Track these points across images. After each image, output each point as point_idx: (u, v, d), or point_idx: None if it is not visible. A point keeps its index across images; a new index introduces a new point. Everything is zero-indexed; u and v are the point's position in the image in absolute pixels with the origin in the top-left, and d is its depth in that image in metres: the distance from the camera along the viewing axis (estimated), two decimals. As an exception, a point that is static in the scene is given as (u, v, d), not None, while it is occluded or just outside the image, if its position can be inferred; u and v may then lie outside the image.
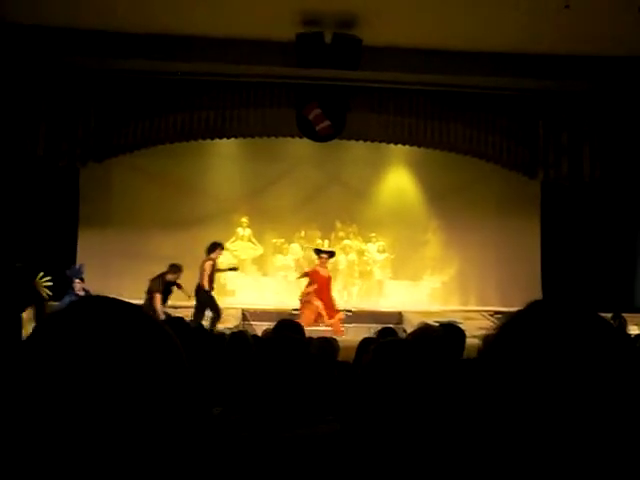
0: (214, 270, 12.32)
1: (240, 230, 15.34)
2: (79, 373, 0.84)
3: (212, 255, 12.32)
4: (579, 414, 0.96)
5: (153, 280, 12.03)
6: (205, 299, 12.09)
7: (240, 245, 15.16)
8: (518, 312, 1.09)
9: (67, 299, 10.76)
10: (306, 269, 13.58)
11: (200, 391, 3.16)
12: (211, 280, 12.23)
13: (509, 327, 1.08)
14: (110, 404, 0.84)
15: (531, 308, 1.09)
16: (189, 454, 0.91)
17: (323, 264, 12.91)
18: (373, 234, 15.57)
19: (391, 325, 8.72)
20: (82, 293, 11.52)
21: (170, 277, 12.05)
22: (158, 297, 11.82)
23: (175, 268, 12.07)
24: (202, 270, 12.16)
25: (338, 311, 12.76)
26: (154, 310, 11.33)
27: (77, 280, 11.96)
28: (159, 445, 0.86)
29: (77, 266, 12.77)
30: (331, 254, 13.23)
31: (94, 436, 0.83)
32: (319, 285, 12.65)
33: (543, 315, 1.06)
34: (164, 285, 11.97)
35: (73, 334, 0.87)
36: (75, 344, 0.86)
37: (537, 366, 0.99)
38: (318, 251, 13.27)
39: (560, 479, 0.96)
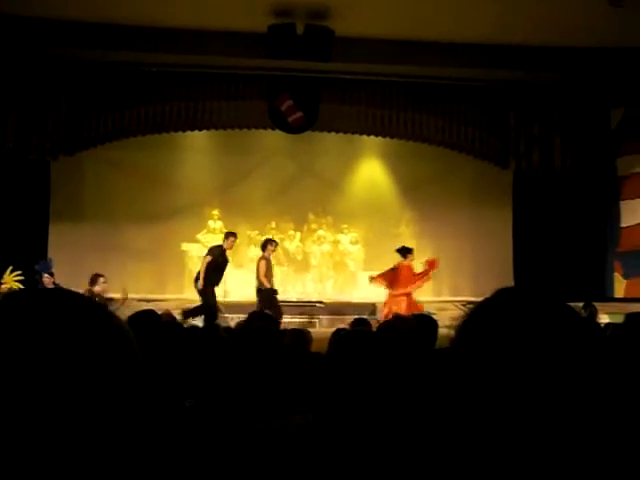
0: (269, 267, 12.15)
1: (211, 222, 15.30)
2: (15, 367, 0.81)
3: (265, 253, 12.25)
4: (546, 401, 0.97)
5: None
6: (266, 297, 11.95)
7: (211, 237, 15.12)
8: (484, 300, 1.10)
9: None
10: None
11: (171, 384, 3.15)
12: (269, 277, 12.08)
13: (475, 316, 1.08)
14: (48, 396, 0.80)
15: (497, 296, 1.09)
16: (147, 447, 0.90)
17: (410, 261, 12.85)
18: (346, 225, 15.60)
19: (365, 316, 8.74)
20: (52, 287, 11.40)
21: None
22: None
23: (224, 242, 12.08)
24: (257, 269, 12.07)
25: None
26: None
27: (46, 275, 11.81)
28: (108, 439, 0.84)
29: (46, 260, 12.63)
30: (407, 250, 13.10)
31: (38, 432, 0.80)
32: (404, 279, 12.71)
33: (508, 303, 1.06)
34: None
35: (6, 328, 0.83)
36: (10, 337, 0.82)
37: (502, 354, 1.00)
38: (405, 250, 13.07)
39: (532, 467, 0.97)
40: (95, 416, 0.82)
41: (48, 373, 0.81)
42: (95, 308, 0.89)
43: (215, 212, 15.26)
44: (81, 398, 0.81)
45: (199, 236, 15.28)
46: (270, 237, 12.77)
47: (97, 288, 11.30)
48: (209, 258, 11.91)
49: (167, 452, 1.82)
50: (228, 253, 12.25)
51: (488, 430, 0.99)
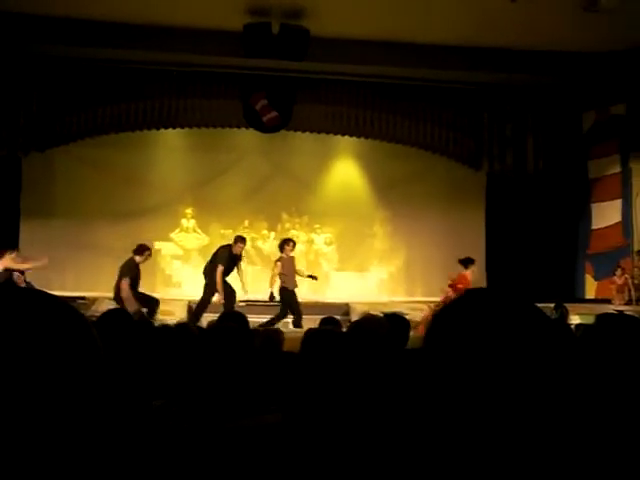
0: (291, 267, 12.07)
1: (184, 221, 15.23)
2: None
3: (283, 254, 12.15)
4: (509, 399, 0.97)
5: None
6: (287, 298, 11.89)
7: (184, 236, 15.05)
8: (453, 302, 1.10)
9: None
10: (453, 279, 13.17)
11: (140, 383, 3.13)
12: (290, 277, 11.99)
13: (443, 317, 1.08)
14: (11, 392, 0.79)
15: (465, 298, 1.09)
16: (111, 445, 0.89)
17: (472, 271, 12.89)
18: (319, 225, 15.60)
19: (337, 316, 8.74)
20: (23, 286, 11.27)
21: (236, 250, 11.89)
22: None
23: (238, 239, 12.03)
24: (279, 269, 11.99)
25: None
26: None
27: (17, 273, 11.68)
28: (68, 435, 0.82)
29: None
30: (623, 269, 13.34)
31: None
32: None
33: (476, 304, 1.07)
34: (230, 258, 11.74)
35: None
36: None
37: (469, 355, 1.00)
38: (467, 261, 12.97)
39: (501, 464, 0.97)
40: (55, 413, 0.81)
41: (10, 369, 0.79)
42: (58, 306, 0.87)
43: (188, 210, 15.18)
44: (42, 394, 0.80)
45: (172, 235, 15.21)
46: (288, 238, 12.69)
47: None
48: (221, 268, 11.73)
49: (133, 450, 1.80)
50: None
51: (457, 429, 0.99)
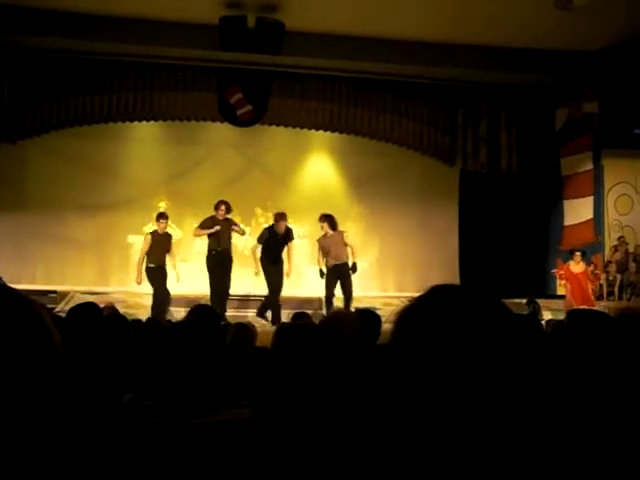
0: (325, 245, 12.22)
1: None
2: None
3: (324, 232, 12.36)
4: (472, 395, 0.97)
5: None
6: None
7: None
8: (419, 298, 1.10)
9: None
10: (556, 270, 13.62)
11: (110, 377, 3.10)
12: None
13: (410, 313, 1.08)
14: None
15: (431, 294, 1.09)
16: (70, 440, 0.87)
17: (576, 261, 13.05)
18: (291, 220, 15.53)
19: (310, 311, 8.74)
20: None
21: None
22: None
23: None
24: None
25: (588, 302, 12.75)
26: None
27: None
28: (23, 432, 0.81)
29: None
30: (583, 252, 13.38)
31: None
32: (571, 281, 12.99)
33: (442, 301, 1.06)
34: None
35: None
36: None
37: (434, 351, 1.00)
38: (571, 251, 13.32)
39: (473, 462, 0.97)
40: (8, 407, 0.79)
41: None
42: (11, 297, 0.85)
43: (162, 204, 15.05)
44: None
45: (145, 229, 15.08)
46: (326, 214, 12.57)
47: None
48: (255, 245, 12.20)
49: (98, 446, 1.78)
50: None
51: (425, 424, 0.99)
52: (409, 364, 1.01)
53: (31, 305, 0.86)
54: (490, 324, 1.02)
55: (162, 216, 12.05)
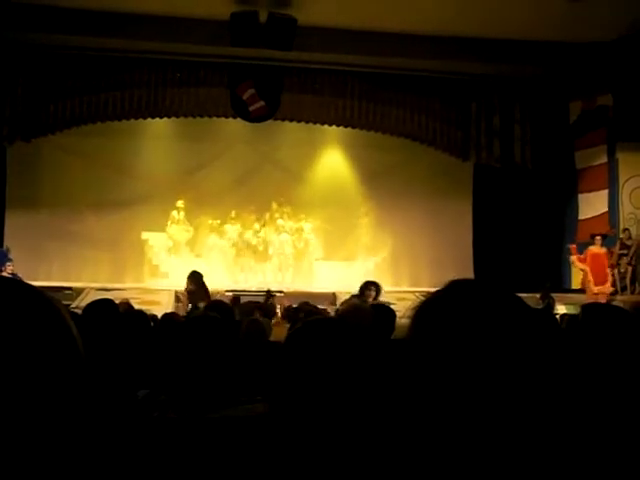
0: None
1: (175, 214, 15.12)
2: None
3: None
4: (494, 390, 0.97)
5: None
6: None
7: (176, 228, 15.01)
8: (437, 292, 1.10)
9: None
10: None
11: (125, 373, 3.12)
12: None
13: (427, 308, 1.08)
14: None
15: (449, 288, 1.09)
16: (88, 436, 0.87)
17: (596, 244, 13.58)
18: (304, 215, 15.55)
19: (323, 306, 8.74)
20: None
21: None
22: None
23: None
24: None
25: (606, 282, 13.35)
26: None
27: (9, 264, 11.76)
28: (42, 430, 0.81)
29: (2, 249, 12.54)
30: (604, 236, 13.76)
31: None
32: (589, 259, 13.46)
33: (460, 295, 1.06)
34: None
35: None
36: None
37: (452, 346, 0.99)
38: (592, 235, 13.77)
39: (491, 458, 0.97)
40: (30, 405, 0.79)
41: None
42: (31, 294, 0.86)
43: (180, 202, 15.05)
44: (14, 385, 0.79)
45: (167, 229, 15.12)
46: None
47: None
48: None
49: (114, 441, 1.79)
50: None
51: (444, 420, 0.99)
52: (429, 358, 1.01)
53: (52, 302, 0.87)
54: (512, 320, 1.02)
55: None
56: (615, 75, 13.79)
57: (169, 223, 15.07)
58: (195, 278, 9.92)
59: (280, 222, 15.29)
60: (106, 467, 1.67)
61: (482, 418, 0.97)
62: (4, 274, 11.40)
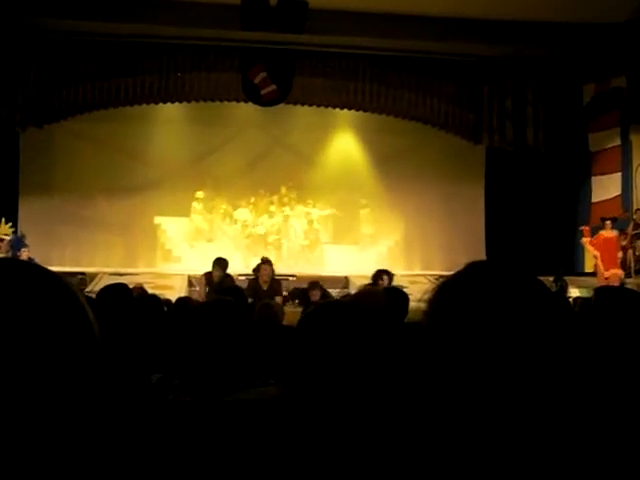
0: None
1: (195, 205, 15.14)
2: None
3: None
4: (513, 373, 0.97)
5: None
6: None
7: (197, 218, 15.09)
8: (455, 274, 1.09)
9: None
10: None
11: (139, 357, 3.14)
12: None
13: (446, 290, 1.08)
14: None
15: (468, 270, 1.09)
16: (104, 421, 0.88)
17: (607, 228, 13.55)
18: (313, 200, 15.52)
19: (336, 290, 8.75)
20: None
21: None
22: None
23: None
24: None
25: (616, 267, 13.32)
26: None
27: (24, 250, 11.83)
28: (60, 414, 0.82)
29: (17, 235, 12.62)
30: (614, 219, 13.71)
31: None
32: (601, 244, 13.43)
33: (479, 277, 1.06)
34: None
35: None
36: None
37: (472, 328, 0.99)
38: (602, 219, 13.75)
39: (506, 444, 0.97)
40: (47, 390, 0.80)
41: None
42: (50, 278, 0.87)
43: (200, 193, 15.06)
44: (33, 370, 0.80)
45: (189, 222, 15.18)
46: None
47: None
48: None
49: (129, 424, 1.81)
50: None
51: (460, 405, 0.99)
52: (448, 341, 1.01)
53: (69, 287, 0.88)
54: (533, 303, 1.02)
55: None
56: (629, 57, 13.66)
57: (191, 216, 15.13)
58: (222, 265, 10.06)
59: (289, 207, 15.29)
60: (121, 450, 1.68)
61: (499, 400, 0.97)
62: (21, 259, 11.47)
